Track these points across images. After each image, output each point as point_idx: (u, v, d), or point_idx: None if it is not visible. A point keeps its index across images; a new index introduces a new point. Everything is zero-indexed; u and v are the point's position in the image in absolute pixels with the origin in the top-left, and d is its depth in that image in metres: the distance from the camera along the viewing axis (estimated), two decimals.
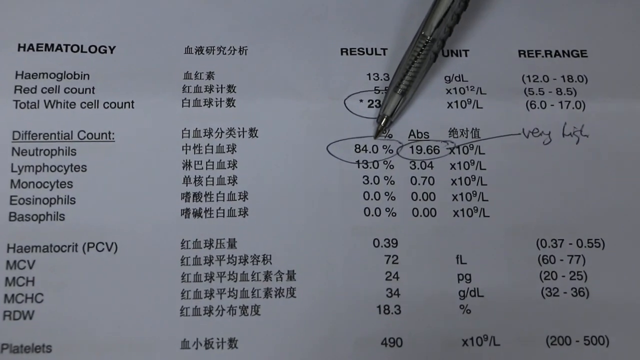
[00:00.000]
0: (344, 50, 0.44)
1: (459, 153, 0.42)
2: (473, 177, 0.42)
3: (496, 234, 0.41)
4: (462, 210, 0.42)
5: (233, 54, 0.43)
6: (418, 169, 0.42)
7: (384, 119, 0.42)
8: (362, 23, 0.44)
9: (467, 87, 0.43)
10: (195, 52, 0.43)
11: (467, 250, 0.41)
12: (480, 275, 0.41)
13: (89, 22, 0.43)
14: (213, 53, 0.43)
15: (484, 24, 0.45)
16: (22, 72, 0.42)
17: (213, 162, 0.42)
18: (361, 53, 0.44)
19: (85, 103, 0.42)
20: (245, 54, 0.43)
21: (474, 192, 0.42)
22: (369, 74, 0.43)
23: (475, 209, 0.42)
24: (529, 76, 0.44)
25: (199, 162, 0.42)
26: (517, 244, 0.41)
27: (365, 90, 0.43)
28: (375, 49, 0.44)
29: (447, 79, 0.43)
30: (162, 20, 0.44)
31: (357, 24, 0.44)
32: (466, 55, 0.44)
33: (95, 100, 0.42)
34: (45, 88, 0.42)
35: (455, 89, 0.43)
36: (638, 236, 0.42)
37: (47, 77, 0.42)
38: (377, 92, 0.43)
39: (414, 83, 0.42)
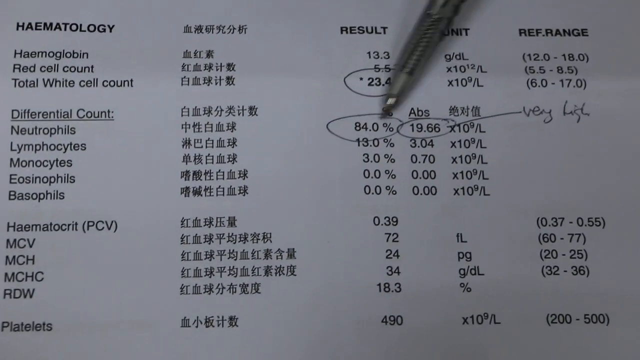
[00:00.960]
0: (344, 28, 0.43)
1: (460, 131, 0.42)
2: (473, 155, 0.41)
3: (496, 212, 0.41)
4: (463, 188, 0.41)
5: (232, 33, 0.43)
6: (418, 147, 0.41)
7: (392, 99, 0.41)
8: (362, 1, 0.44)
9: (468, 65, 0.43)
10: (195, 31, 0.43)
11: (467, 229, 0.40)
12: (481, 254, 0.40)
13: (88, 1, 0.43)
14: (212, 32, 0.43)
15: (485, 3, 0.44)
16: (21, 50, 0.41)
17: (213, 141, 0.41)
18: (361, 31, 0.43)
19: (84, 81, 0.41)
20: (245, 32, 0.43)
21: (475, 171, 0.41)
22: (369, 52, 0.43)
23: (476, 187, 0.41)
24: (529, 54, 0.43)
25: (199, 141, 0.41)
26: (517, 223, 0.41)
27: (366, 68, 0.42)
28: (376, 27, 0.43)
29: (448, 57, 0.43)
30: None
31: (357, 2, 0.44)
32: (467, 34, 0.43)
33: (94, 79, 0.41)
34: (44, 67, 0.41)
35: (455, 67, 0.43)
36: (638, 215, 0.41)
37: (45, 56, 0.41)
38: (377, 70, 0.42)
39: (421, 62, 0.41)
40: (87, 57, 0.42)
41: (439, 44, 0.42)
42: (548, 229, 0.41)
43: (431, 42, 0.41)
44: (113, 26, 0.42)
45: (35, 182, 0.40)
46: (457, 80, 0.42)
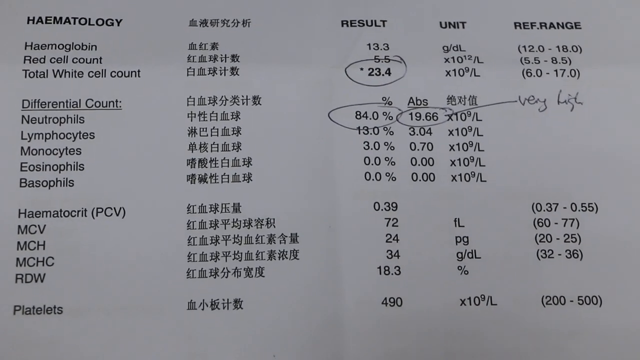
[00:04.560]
0: (344, 22, 0.43)
1: (457, 120, 0.42)
2: (470, 143, 0.41)
3: (493, 198, 0.41)
4: (460, 175, 0.41)
5: (236, 26, 0.43)
6: (417, 135, 0.41)
7: None
8: None
9: (465, 56, 0.43)
10: (200, 25, 0.42)
11: (464, 214, 0.40)
12: (478, 238, 0.40)
13: None
14: (217, 25, 0.43)
15: None
16: (32, 43, 0.41)
17: (218, 129, 0.41)
18: (361, 24, 0.43)
19: (92, 72, 0.41)
20: (249, 26, 0.43)
21: (472, 158, 0.41)
22: (369, 44, 0.43)
23: (473, 173, 0.41)
24: (524, 46, 0.43)
25: (204, 129, 0.41)
26: (513, 208, 0.40)
27: (366, 59, 0.42)
28: (375, 20, 0.43)
29: (445, 48, 0.43)
30: None
31: None
32: (463, 27, 0.43)
33: (102, 70, 0.41)
34: (54, 58, 0.41)
35: (453, 58, 0.42)
36: (629, 200, 0.41)
37: (55, 48, 0.41)
38: (377, 61, 0.42)
39: None
40: (96, 49, 0.41)
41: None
42: (543, 214, 0.41)
43: None
44: (121, 20, 0.42)
45: (46, 169, 0.40)
46: (454, 70, 0.42)
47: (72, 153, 0.40)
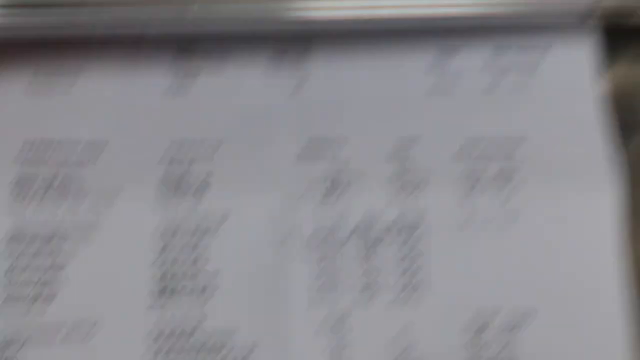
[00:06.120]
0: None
1: (404, 236, 0.45)
2: (416, 260, 0.44)
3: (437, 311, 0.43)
4: (407, 288, 0.43)
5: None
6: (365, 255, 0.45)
7: None
8: None
9: (412, 176, 0.45)
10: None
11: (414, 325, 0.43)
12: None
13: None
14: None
15: None
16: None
17: (185, 248, 0.44)
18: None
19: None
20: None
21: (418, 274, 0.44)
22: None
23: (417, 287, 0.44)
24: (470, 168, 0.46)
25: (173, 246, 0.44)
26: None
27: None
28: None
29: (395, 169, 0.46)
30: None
31: None
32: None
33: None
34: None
35: (400, 178, 0.45)
36: (566, 313, 0.43)
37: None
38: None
39: None
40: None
41: None
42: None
43: None
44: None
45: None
46: (401, 189, 0.45)
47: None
